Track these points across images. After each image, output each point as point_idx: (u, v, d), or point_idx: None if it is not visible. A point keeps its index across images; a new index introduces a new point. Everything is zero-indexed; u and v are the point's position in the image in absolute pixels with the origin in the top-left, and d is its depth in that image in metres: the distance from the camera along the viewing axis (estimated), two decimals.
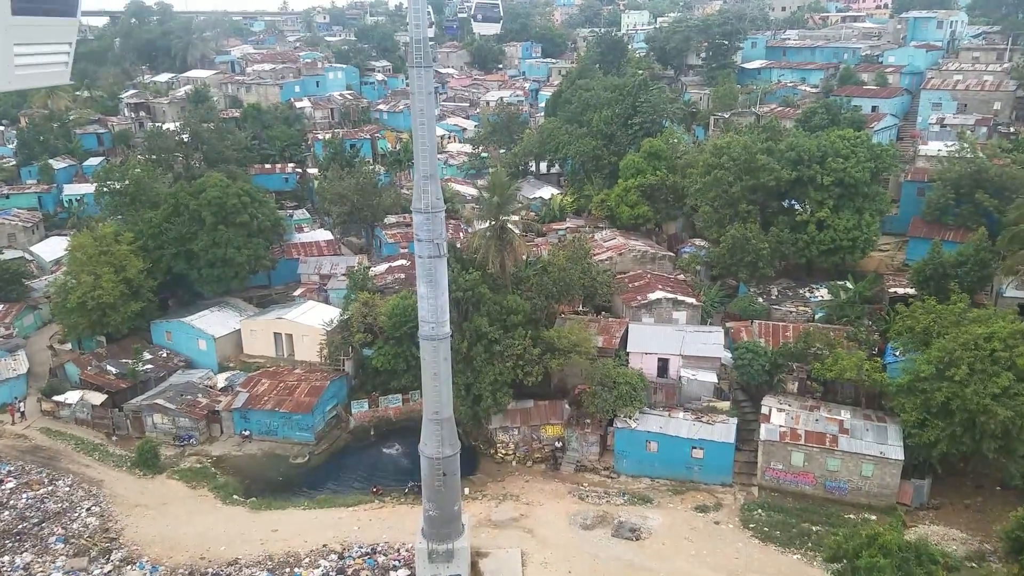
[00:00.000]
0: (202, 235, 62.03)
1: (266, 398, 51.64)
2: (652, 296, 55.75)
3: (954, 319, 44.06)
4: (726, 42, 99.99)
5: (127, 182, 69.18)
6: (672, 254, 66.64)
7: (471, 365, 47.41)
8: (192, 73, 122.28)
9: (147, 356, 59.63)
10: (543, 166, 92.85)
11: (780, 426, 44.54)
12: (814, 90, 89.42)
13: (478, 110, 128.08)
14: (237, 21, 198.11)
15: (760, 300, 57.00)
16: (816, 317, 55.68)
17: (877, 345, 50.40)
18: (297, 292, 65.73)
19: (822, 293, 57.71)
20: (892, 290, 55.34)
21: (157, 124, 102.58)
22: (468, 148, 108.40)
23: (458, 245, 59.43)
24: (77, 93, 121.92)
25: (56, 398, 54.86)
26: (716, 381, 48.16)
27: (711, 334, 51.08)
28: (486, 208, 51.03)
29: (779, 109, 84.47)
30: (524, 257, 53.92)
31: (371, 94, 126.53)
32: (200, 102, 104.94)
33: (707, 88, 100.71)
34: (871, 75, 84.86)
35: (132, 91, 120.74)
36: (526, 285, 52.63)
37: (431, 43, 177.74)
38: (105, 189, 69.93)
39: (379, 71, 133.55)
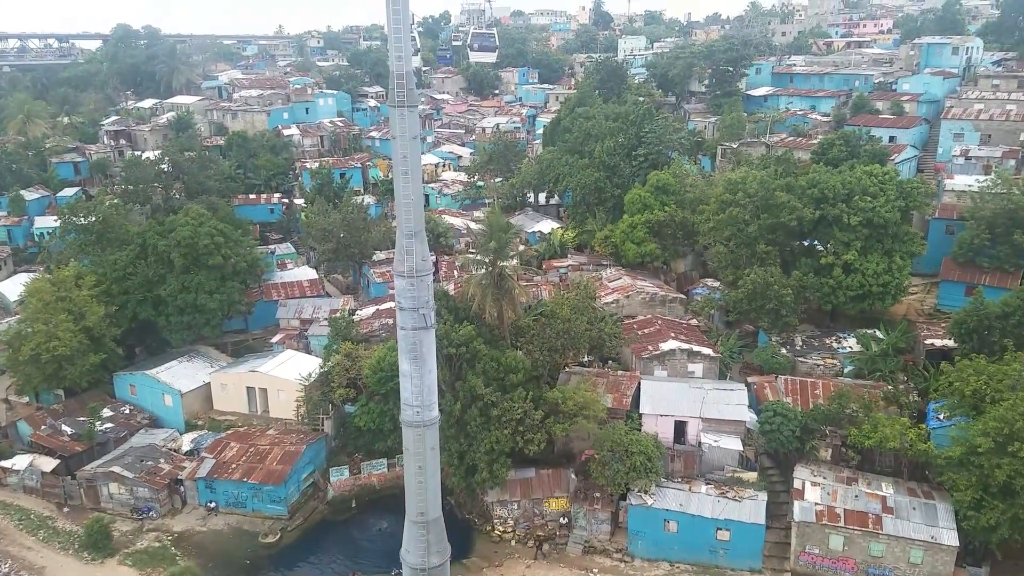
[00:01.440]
0: (171, 279, 56.87)
1: (234, 465, 46.10)
2: (665, 346, 50.64)
3: (1010, 382, 39.03)
4: (731, 69, 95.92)
5: (94, 219, 64.25)
6: (683, 296, 61.66)
7: (465, 430, 42.14)
8: (177, 99, 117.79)
9: (107, 413, 54.04)
10: (541, 197, 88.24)
11: (816, 504, 39.25)
12: (825, 119, 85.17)
13: (474, 137, 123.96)
14: (229, 45, 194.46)
15: (784, 351, 51.89)
16: (845, 371, 50.64)
17: (918, 407, 45.27)
18: (275, 339, 60.36)
19: (850, 343, 52.63)
20: (928, 341, 50.28)
21: (137, 152, 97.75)
22: (463, 176, 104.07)
23: (450, 290, 54.47)
24: (57, 120, 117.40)
25: (3, 463, 49.22)
26: (741, 449, 42.89)
27: (733, 392, 45.93)
28: (482, 253, 45.98)
29: (790, 139, 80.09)
30: (524, 300, 48.78)
31: (363, 121, 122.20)
32: (183, 129, 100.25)
33: (711, 116, 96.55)
34: (886, 103, 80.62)
35: (114, 118, 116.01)
36: (527, 336, 47.49)
37: (424, 69, 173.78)
38: (70, 226, 64.87)
39: (372, 97, 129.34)
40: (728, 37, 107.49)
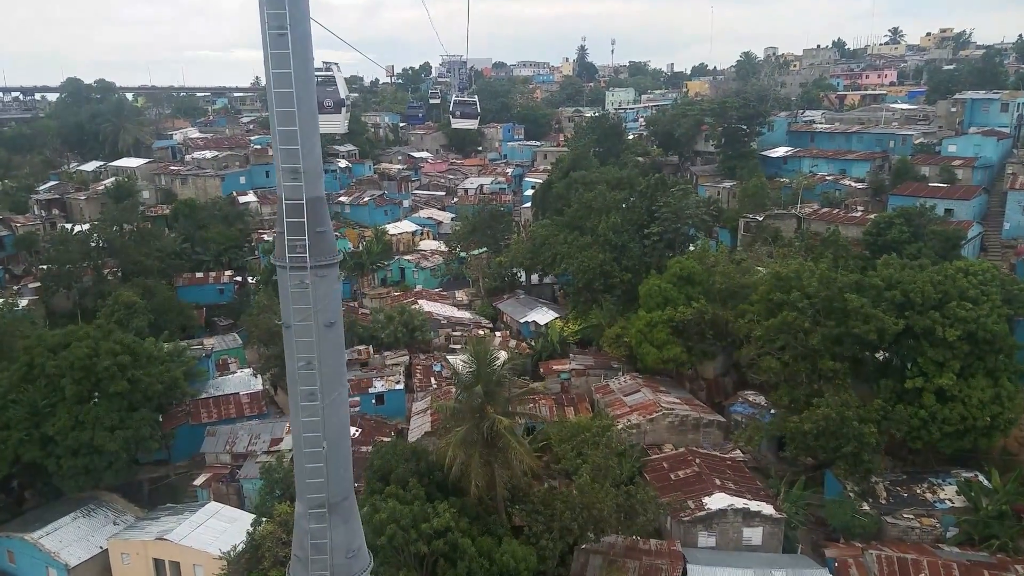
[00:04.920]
0: (61, 411, 43.54)
1: None
2: (713, 504, 37.99)
3: None
4: (744, 127, 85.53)
5: None
6: (721, 418, 49.23)
7: None
8: (122, 162, 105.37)
9: None
10: (534, 276, 76.52)
11: None
12: (860, 186, 74.31)
13: (455, 199, 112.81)
14: (195, 99, 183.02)
15: (866, 507, 39.34)
16: (948, 534, 38.21)
17: None
18: (199, 481, 46.79)
19: (949, 493, 40.28)
20: None
21: (68, 225, 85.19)
22: (443, 247, 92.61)
23: (426, 414, 41.72)
24: None
25: None
26: None
27: None
28: (466, 403, 33.25)
29: (824, 211, 68.97)
30: (528, 464, 35.61)
31: (332, 184, 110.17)
32: (122, 198, 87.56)
33: (723, 180, 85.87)
34: (933, 168, 69.93)
35: (52, 183, 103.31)
36: (529, 507, 34.51)
37: (401, 126, 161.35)
38: None
39: (343, 157, 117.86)
40: (741, 91, 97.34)
